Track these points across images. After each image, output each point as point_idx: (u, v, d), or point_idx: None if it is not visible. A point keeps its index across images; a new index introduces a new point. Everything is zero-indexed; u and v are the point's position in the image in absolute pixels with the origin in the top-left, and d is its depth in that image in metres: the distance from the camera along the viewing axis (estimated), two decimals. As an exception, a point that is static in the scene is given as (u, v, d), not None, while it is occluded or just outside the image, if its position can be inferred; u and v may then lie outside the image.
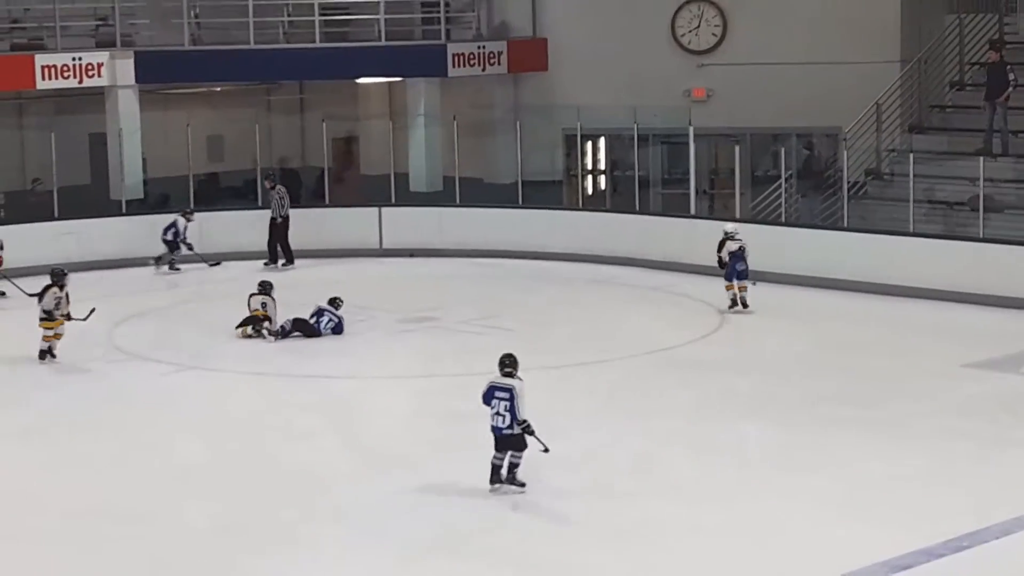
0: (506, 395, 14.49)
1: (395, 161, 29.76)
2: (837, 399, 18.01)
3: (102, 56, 29.19)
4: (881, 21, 28.49)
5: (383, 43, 30.39)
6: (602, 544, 13.45)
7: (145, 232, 27.61)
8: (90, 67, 28.98)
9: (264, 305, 21.72)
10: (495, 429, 14.60)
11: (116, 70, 29.23)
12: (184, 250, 27.11)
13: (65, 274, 20.53)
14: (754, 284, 22.75)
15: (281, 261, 27.39)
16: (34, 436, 17.22)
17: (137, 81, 29.47)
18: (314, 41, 30.27)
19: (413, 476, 15.35)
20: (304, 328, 21.52)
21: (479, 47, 30.82)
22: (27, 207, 28.59)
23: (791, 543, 13.38)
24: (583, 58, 30.83)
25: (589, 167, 31.77)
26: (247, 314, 21.64)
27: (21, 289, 22.50)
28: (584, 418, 17.33)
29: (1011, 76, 25.46)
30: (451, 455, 16.08)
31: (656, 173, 30.39)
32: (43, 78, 28.60)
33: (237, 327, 21.47)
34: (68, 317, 20.38)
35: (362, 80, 32.22)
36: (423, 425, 17.49)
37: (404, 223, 28.59)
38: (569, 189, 31.15)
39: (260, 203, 28.66)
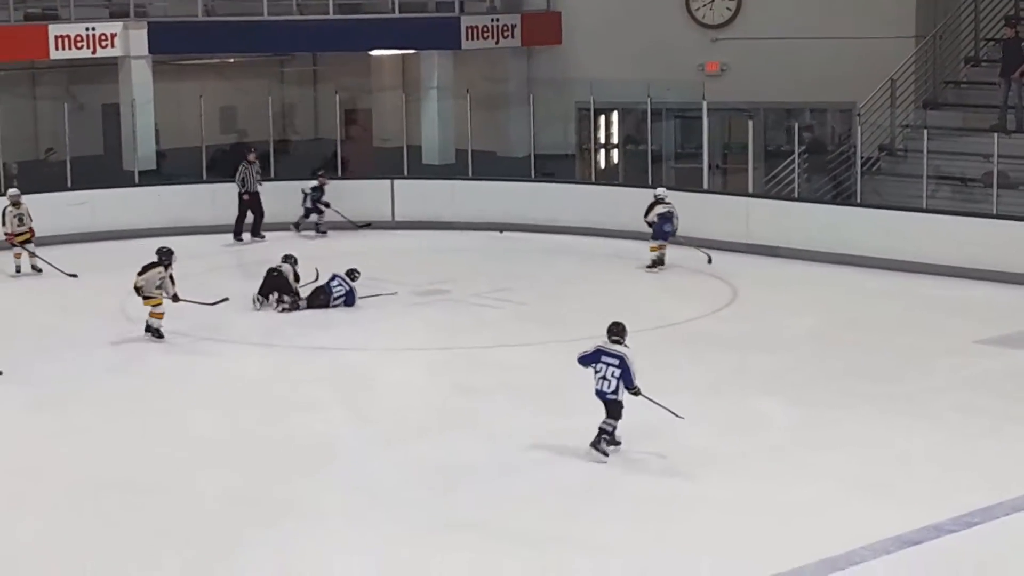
0: (615, 361, 14.77)
1: (408, 134, 29.73)
2: (850, 375, 17.99)
3: (115, 26, 29.16)
4: (896, -4, 28.41)
5: (396, 15, 30.36)
6: (616, 519, 13.46)
7: (156, 202, 27.65)
8: (103, 37, 28.96)
9: (282, 274, 21.77)
10: (600, 393, 14.86)
11: (129, 41, 29.21)
12: (326, 214, 27.56)
13: (171, 253, 20.29)
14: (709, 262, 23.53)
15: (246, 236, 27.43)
16: (45, 407, 17.23)
17: (150, 52, 29.45)
18: (327, 13, 30.23)
19: (423, 449, 15.37)
20: (316, 301, 21.54)
21: (493, 20, 30.77)
22: (40, 177, 28.56)
23: (804, 518, 13.38)
24: (597, 32, 30.77)
25: (602, 141, 31.72)
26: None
27: (59, 269, 23.33)
28: (589, 391, 17.31)
29: (1027, 52, 25.37)
30: (462, 428, 16.11)
31: (669, 147, 30.34)
32: (56, 48, 28.59)
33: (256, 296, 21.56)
34: (175, 299, 20.07)
35: (375, 52, 32.19)
36: (434, 398, 17.50)
37: (417, 196, 28.58)
38: (582, 163, 31.11)
39: (273, 175, 28.65)
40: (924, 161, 24.60)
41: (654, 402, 14.99)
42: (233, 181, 27.27)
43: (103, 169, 29.17)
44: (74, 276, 23.65)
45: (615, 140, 31.69)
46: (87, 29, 28.78)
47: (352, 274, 21.93)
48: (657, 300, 22.30)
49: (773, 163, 27.42)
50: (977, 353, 18.85)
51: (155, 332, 19.91)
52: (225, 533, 13.32)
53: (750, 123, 27.00)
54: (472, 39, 30.44)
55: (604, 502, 13.91)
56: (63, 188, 27.39)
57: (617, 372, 14.74)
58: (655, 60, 29.51)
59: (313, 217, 27.69)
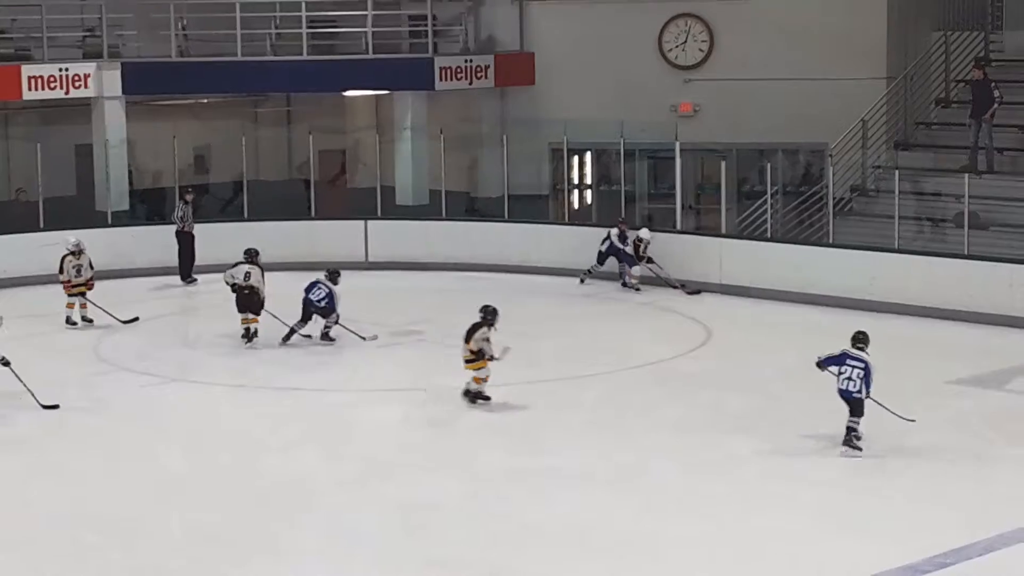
0: (861, 364, 16.32)
1: (382, 174, 29.76)
2: (824, 415, 18.02)
3: (89, 67, 29.16)
4: (867, 38, 28.61)
5: (370, 56, 30.40)
6: (591, 558, 13.45)
7: (130, 243, 27.59)
8: (77, 78, 28.95)
9: (248, 275, 21.71)
10: (844, 392, 16.37)
11: (103, 81, 29.20)
12: (644, 269, 25.85)
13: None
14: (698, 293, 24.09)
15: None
16: (18, 446, 17.18)
17: (124, 92, 29.45)
18: (301, 53, 30.26)
19: (398, 489, 15.35)
20: (305, 314, 21.91)
21: (466, 61, 30.85)
22: (12, 217, 28.51)
23: (779, 557, 13.39)
24: (570, 72, 30.88)
25: (576, 181, 31.80)
26: (230, 290, 22.02)
27: (114, 316, 23.27)
28: (570, 431, 17.33)
29: (996, 93, 25.56)
30: (437, 468, 16.09)
31: (642, 188, 30.42)
32: (29, 88, 28.55)
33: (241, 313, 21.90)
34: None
35: (349, 93, 32.24)
36: (409, 438, 17.47)
37: (390, 236, 28.58)
38: (555, 203, 31.18)
39: (246, 215, 28.63)
40: (896, 201, 24.73)
41: (884, 407, 16.45)
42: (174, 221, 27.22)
43: (76, 210, 29.11)
44: (135, 320, 23.71)
45: (588, 180, 31.77)
46: (60, 70, 28.77)
47: (333, 276, 21.99)
48: (631, 340, 22.34)
49: (746, 204, 27.52)
50: (950, 393, 18.92)
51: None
52: (201, 572, 13.26)
53: (723, 164, 27.11)
54: (446, 80, 30.50)
55: (578, 541, 13.89)
56: (35, 229, 27.31)
57: (861, 374, 16.22)
58: (628, 101, 29.63)
59: (623, 268, 26.08)
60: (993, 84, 25.75)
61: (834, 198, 25.76)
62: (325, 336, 21.98)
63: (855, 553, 13.35)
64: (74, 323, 23.32)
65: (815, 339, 21.50)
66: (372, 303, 25.31)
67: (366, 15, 30.28)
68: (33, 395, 18.57)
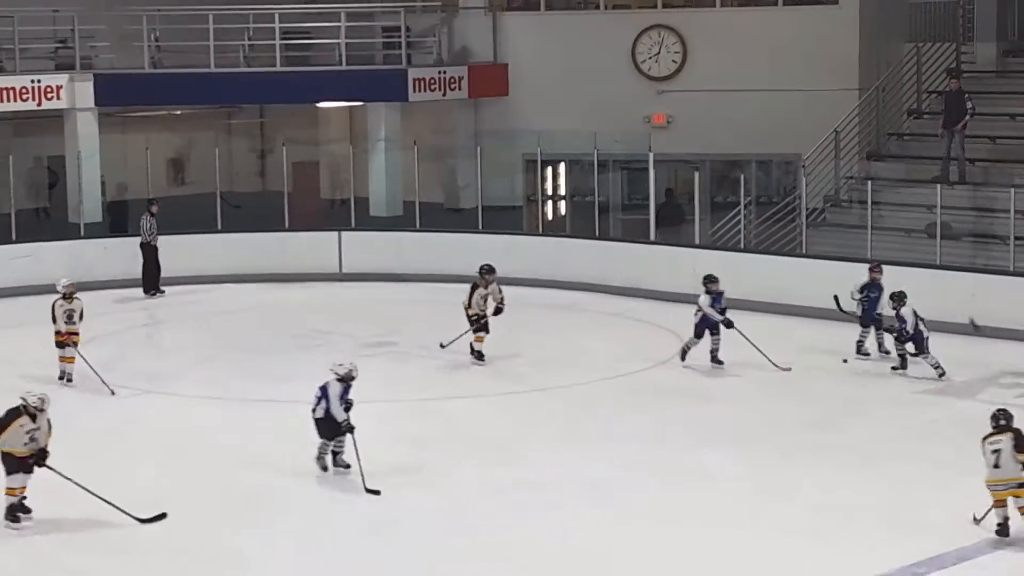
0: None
1: (355, 185, 29.72)
2: (797, 425, 18.07)
3: (61, 79, 29.07)
4: (840, 49, 28.72)
5: (344, 67, 30.39)
6: (562, 570, 13.43)
7: (101, 255, 27.48)
8: (49, 89, 28.87)
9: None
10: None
11: (75, 93, 29.12)
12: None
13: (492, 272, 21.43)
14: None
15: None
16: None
17: (96, 104, 29.37)
18: (275, 65, 30.24)
19: (370, 501, 15.31)
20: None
21: (440, 72, 30.86)
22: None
23: (749, 568, 13.38)
24: (543, 84, 30.91)
25: (549, 192, 31.81)
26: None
27: (103, 380, 20.25)
28: (543, 443, 17.32)
29: (969, 104, 25.64)
30: (409, 480, 16.06)
31: (616, 198, 30.44)
32: (1, 100, 28.45)
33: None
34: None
35: (323, 104, 32.22)
36: (382, 450, 17.41)
37: (364, 247, 28.53)
38: (529, 214, 31.17)
39: (220, 227, 28.56)
40: (869, 212, 24.79)
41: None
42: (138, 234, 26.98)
43: (48, 222, 29.01)
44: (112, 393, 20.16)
45: (562, 191, 31.79)
46: (32, 81, 28.67)
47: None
48: (604, 351, 22.33)
49: (719, 215, 27.54)
50: (924, 402, 18.98)
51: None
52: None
53: (696, 175, 27.14)
54: (419, 91, 30.50)
55: (550, 554, 13.88)
56: (8, 241, 27.21)
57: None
58: (601, 112, 29.66)
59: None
60: (966, 95, 25.83)
61: (807, 209, 25.81)
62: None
63: (827, 564, 13.37)
64: (70, 380, 20.40)
65: (787, 349, 21.65)
66: (346, 314, 25.31)
67: (339, 27, 30.27)
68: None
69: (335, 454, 16.20)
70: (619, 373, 20.83)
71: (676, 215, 28.94)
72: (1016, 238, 23.24)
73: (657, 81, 30.57)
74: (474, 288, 21.20)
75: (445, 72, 30.91)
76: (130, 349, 22.92)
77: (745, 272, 25.10)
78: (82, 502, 14.89)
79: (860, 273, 21.95)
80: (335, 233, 28.67)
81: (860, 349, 21.32)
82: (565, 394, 19.82)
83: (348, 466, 15.99)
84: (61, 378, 20.35)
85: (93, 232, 28.52)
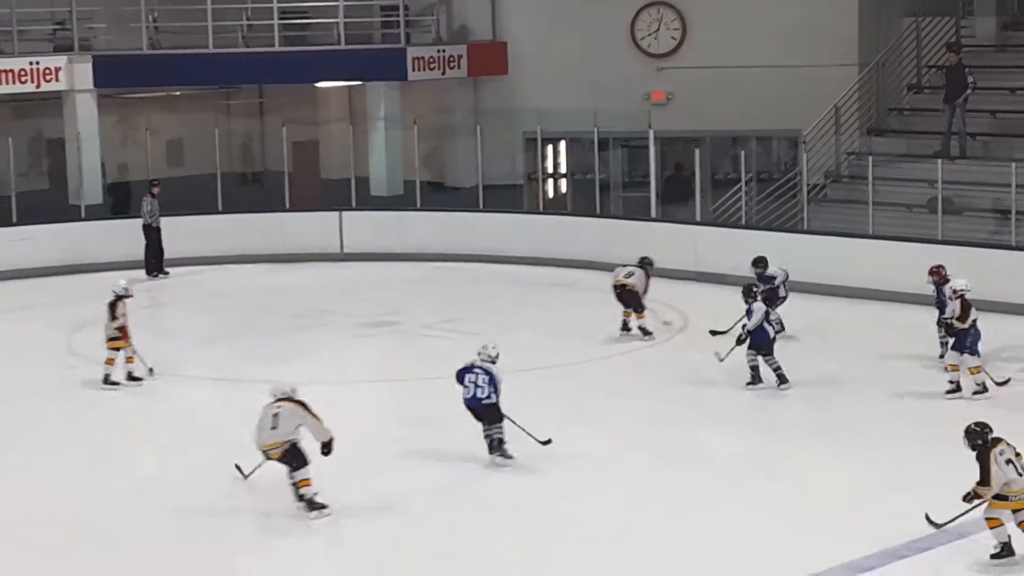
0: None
1: (355, 165, 29.70)
2: (796, 403, 18.08)
3: (60, 60, 29.02)
4: (839, 24, 28.65)
5: (343, 47, 30.32)
6: (567, 549, 13.47)
7: (103, 237, 27.47)
8: (47, 71, 28.82)
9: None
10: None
11: (74, 74, 29.08)
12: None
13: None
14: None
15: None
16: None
17: (95, 85, 29.33)
18: (273, 45, 30.17)
19: (375, 480, 15.32)
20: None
21: (439, 51, 30.80)
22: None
23: (751, 547, 13.42)
24: (543, 62, 30.85)
25: (550, 171, 31.78)
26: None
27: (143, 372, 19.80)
28: (547, 422, 17.29)
29: (970, 79, 25.60)
30: (413, 460, 16.08)
31: (616, 176, 30.41)
32: (0, 82, 28.42)
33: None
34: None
35: (322, 84, 32.18)
36: (385, 430, 17.46)
37: (365, 227, 28.52)
38: (530, 193, 31.14)
39: (220, 208, 28.54)
40: (869, 188, 24.78)
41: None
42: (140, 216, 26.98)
43: (49, 204, 29.01)
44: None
45: (563, 170, 31.75)
46: (31, 63, 28.62)
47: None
48: (605, 329, 22.29)
49: (720, 192, 27.52)
50: (924, 380, 18.93)
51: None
52: (183, 571, 13.23)
53: (696, 152, 27.11)
54: (418, 70, 30.45)
55: (555, 531, 13.92)
56: (8, 223, 27.19)
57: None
58: (601, 89, 29.61)
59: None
60: (967, 69, 25.79)
61: (808, 185, 25.79)
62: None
63: (829, 541, 13.39)
64: (115, 383, 19.39)
65: (788, 326, 21.63)
66: (347, 294, 25.32)
67: (338, 6, 30.21)
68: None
69: (500, 442, 15.82)
70: (622, 351, 20.83)
71: (685, 190, 28.82)
72: (1018, 212, 23.22)
73: (657, 58, 30.52)
74: (648, 274, 21.45)
75: (444, 51, 30.85)
76: (133, 331, 22.90)
77: (746, 249, 24.99)
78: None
79: (861, 248, 21.91)
80: (336, 213, 28.66)
81: None
82: (567, 372, 19.84)
83: (511, 457, 15.78)
84: (108, 381, 19.43)
85: (94, 214, 28.50)
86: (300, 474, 14.50)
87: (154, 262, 26.79)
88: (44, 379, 19.96)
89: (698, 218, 26.73)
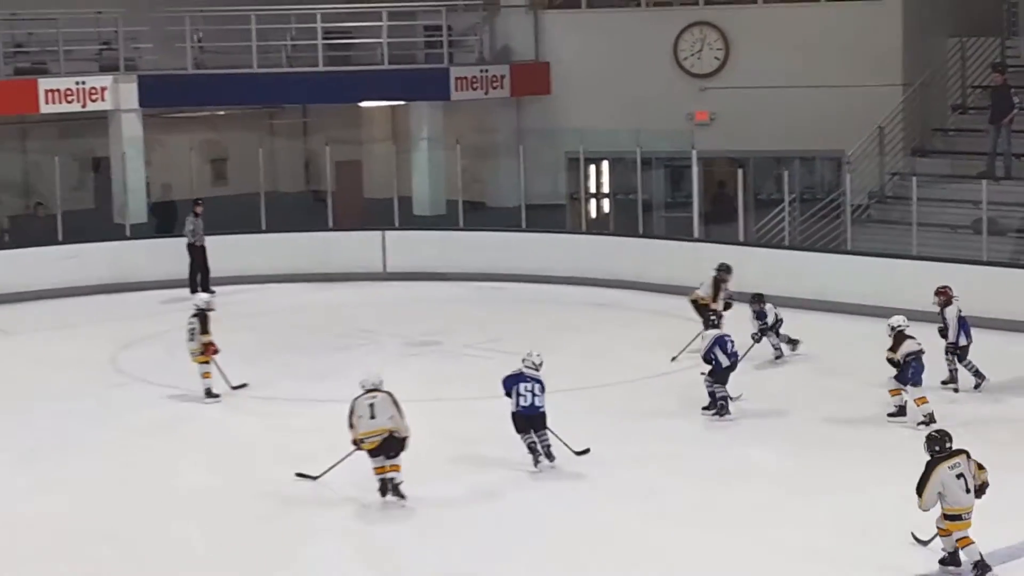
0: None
1: (398, 185, 29.78)
2: (843, 422, 17.99)
3: (106, 80, 29.27)
4: (883, 45, 28.59)
5: (386, 67, 30.45)
6: (613, 567, 13.45)
7: (147, 255, 27.63)
8: (93, 91, 29.06)
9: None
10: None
11: (119, 94, 29.32)
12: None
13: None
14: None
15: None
16: (34, 459, 17.23)
17: (140, 105, 29.56)
18: (317, 65, 30.33)
19: (414, 499, 15.33)
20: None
21: (482, 71, 30.88)
22: (31, 231, 28.60)
23: (801, 564, 13.36)
24: (586, 82, 30.89)
25: (592, 190, 31.79)
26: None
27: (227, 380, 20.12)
28: (586, 442, 17.29)
29: (1015, 99, 25.51)
30: (456, 480, 16.09)
31: (659, 196, 30.41)
32: (47, 102, 28.69)
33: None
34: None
35: (365, 104, 32.28)
36: (428, 450, 17.44)
37: (408, 247, 28.58)
38: (572, 212, 31.15)
39: (264, 227, 28.67)
40: (913, 208, 24.68)
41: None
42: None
43: (94, 222, 29.20)
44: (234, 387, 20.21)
45: (605, 189, 31.76)
46: (77, 83, 28.88)
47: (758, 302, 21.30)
48: (647, 350, 22.27)
49: (763, 212, 27.48)
50: (970, 400, 18.85)
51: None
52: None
53: (740, 172, 27.07)
54: (462, 90, 30.54)
55: (603, 549, 13.90)
56: (54, 242, 27.39)
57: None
58: (644, 109, 29.62)
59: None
60: (1012, 89, 25.70)
61: (851, 205, 25.72)
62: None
63: (889, 558, 13.32)
64: (217, 396, 19.78)
65: (832, 347, 21.58)
66: (390, 313, 25.37)
67: (381, 26, 30.32)
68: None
69: (549, 447, 16.24)
70: (663, 371, 20.78)
71: (728, 210, 28.78)
72: (1063, 233, 23.13)
73: (699, 78, 30.50)
74: (718, 285, 21.41)
75: (487, 71, 30.93)
76: (176, 349, 22.93)
77: (790, 269, 25.04)
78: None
79: (905, 269, 21.82)
80: (379, 232, 28.73)
81: None
82: (608, 392, 19.81)
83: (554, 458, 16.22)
84: (209, 395, 19.74)
85: (138, 233, 28.67)
86: (392, 462, 15.16)
87: (199, 280, 26.90)
88: (88, 395, 20.07)
89: (741, 239, 26.68)
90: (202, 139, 31.79)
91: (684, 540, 14.13)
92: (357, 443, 15.33)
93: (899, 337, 18.13)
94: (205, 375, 19.68)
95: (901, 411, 18.07)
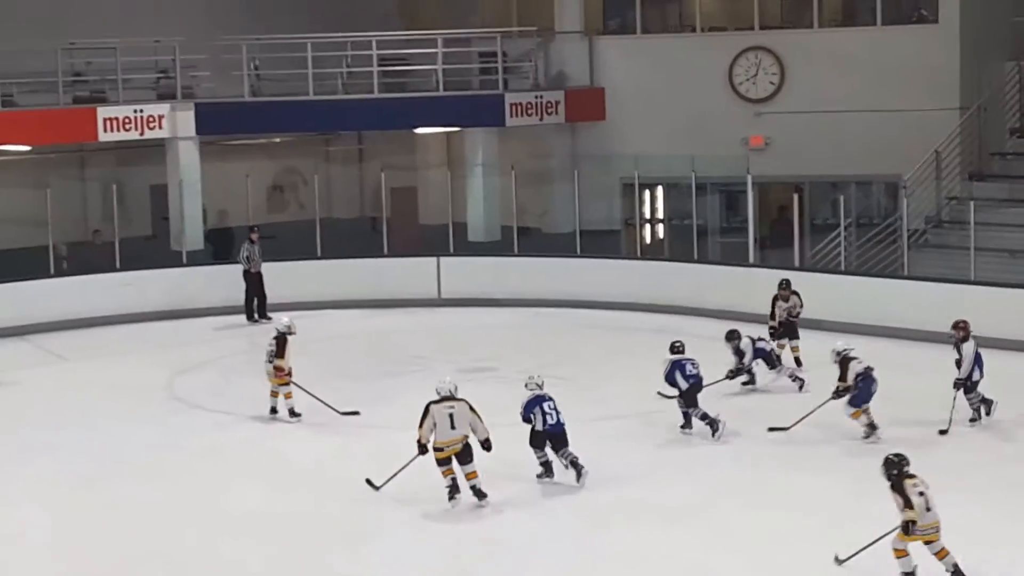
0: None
1: (453, 211, 29.84)
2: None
3: (163, 108, 29.51)
4: (940, 68, 28.45)
5: (441, 93, 30.54)
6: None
7: (204, 282, 27.80)
8: (151, 119, 29.29)
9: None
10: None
11: (177, 122, 29.53)
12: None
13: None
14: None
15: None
16: (94, 483, 17.36)
17: (197, 133, 29.76)
18: (372, 91, 30.46)
19: (471, 528, 15.32)
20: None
21: (536, 97, 30.92)
22: (89, 258, 28.83)
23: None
24: (640, 107, 30.88)
25: (647, 216, 31.74)
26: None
27: (331, 407, 20.28)
28: (640, 466, 17.27)
29: (1073, 122, 25.35)
30: (511, 508, 16.06)
31: (714, 222, 30.33)
32: (105, 130, 28.93)
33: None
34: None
35: (420, 130, 32.38)
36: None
37: (462, 273, 28.62)
38: (627, 238, 31.12)
39: (319, 253, 28.78)
40: (971, 233, 24.49)
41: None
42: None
43: (151, 249, 29.40)
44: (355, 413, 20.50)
45: (660, 215, 31.71)
46: (135, 111, 29.12)
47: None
48: (704, 375, 22.16)
49: (819, 237, 27.35)
50: (1014, 425, 18.67)
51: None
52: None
53: (795, 197, 26.96)
54: (516, 116, 30.59)
55: (648, 571, 13.83)
56: (112, 269, 27.60)
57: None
58: (699, 135, 29.58)
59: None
60: (1070, 113, 25.55)
61: (908, 230, 25.56)
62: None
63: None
64: (298, 415, 20.18)
65: (890, 373, 21.36)
66: (444, 339, 25.38)
67: (436, 52, 30.42)
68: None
69: (577, 459, 16.70)
70: (718, 393, 20.67)
71: (789, 234, 28.62)
72: (1123, 258, 22.90)
73: (755, 103, 30.43)
74: (775, 302, 22.19)
75: (542, 97, 30.97)
76: (232, 375, 23.11)
77: (846, 295, 24.91)
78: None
79: (963, 295, 21.62)
80: (434, 259, 28.78)
81: None
82: (661, 418, 19.72)
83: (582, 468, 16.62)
84: (286, 413, 20.06)
85: (195, 260, 28.85)
86: (469, 467, 15.92)
87: (255, 307, 27.02)
88: (145, 421, 20.19)
89: (797, 264, 26.56)
90: (258, 166, 31.93)
91: (725, 563, 14.03)
92: (423, 446, 15.85)
93: (844, 363, 18.39)
94: (286, 395, 19.94)
95: (872, 428, 18.22)
